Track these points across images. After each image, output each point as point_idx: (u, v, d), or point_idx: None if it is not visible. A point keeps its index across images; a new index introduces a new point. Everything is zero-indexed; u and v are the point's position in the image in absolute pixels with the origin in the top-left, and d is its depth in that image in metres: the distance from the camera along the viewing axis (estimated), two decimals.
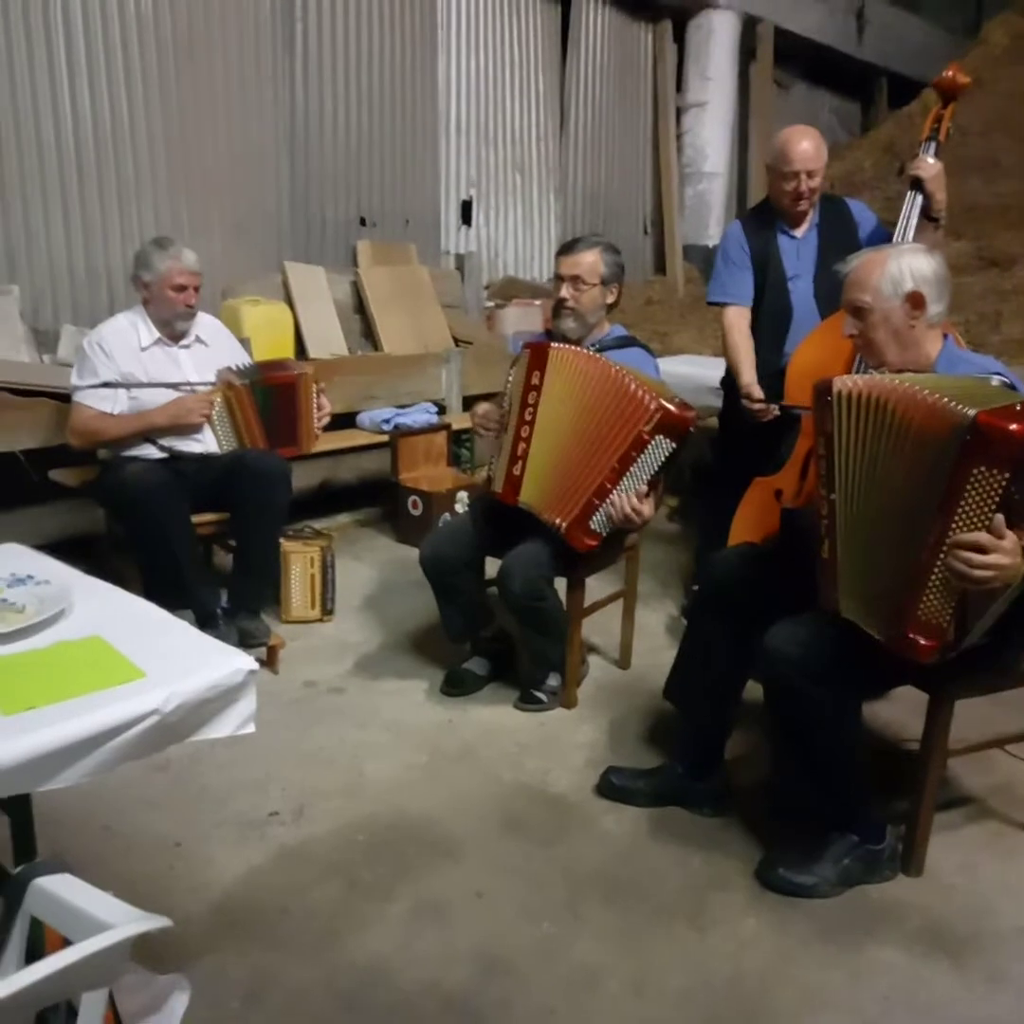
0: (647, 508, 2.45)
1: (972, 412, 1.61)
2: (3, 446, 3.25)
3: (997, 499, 1.61)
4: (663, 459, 2.43)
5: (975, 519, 1.63)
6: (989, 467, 1.60)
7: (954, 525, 1.65)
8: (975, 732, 2.18)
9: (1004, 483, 1.59)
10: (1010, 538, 1.60)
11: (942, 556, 1.67)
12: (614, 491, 2.45)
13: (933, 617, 1.72)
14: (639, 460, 2.42)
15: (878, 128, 8.47)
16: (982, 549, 1.60)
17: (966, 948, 1.86)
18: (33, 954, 0.93)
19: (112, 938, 0.76)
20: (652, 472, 2.44)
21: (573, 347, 2.57)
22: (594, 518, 2.49)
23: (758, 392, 2.79)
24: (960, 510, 1.64)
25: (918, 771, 2.04)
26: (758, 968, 1.80)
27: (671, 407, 2.38)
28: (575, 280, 2.64)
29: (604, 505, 2.47)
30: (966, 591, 1.66)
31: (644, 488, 2.44)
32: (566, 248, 2.70)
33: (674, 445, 2.42)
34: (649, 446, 2.41)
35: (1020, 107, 7.28)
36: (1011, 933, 1.90)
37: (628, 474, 2.44)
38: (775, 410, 2.76)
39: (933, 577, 1.70)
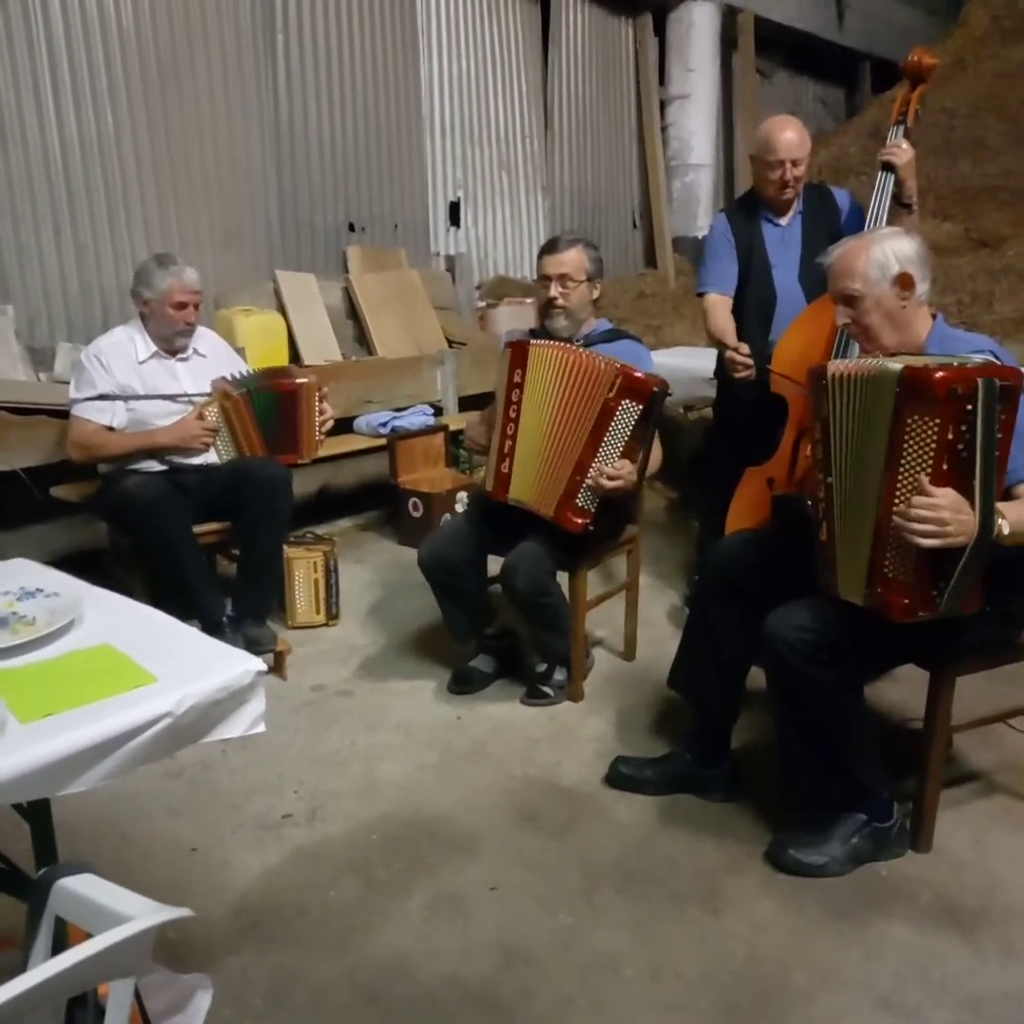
0: (626, 470, 2.48)
1: (898, 365, 1.71)
2: (4, 465, 3.27)
3: (934, 448, 1.67)
4: (633, 423, 2.47)
5: (918, 469, 1.70)
6: (921, 415, 1.67)
7: (899, 478, 1.72)
8: (982, 709, 2.20)
9: (936, 429, 1.66)
10: (951, 497, 1.66)
11: (894, 511, 1.72)
12: (593, 464, 2.49)
13: (898, 574, 1.76)
14: (611, 428, 2.47)
15: (863, 113, 8.48)
16: (922, 506, 1.67)
17: (977, 922, 1.88)
18: (58, 953, 0.95)
19: (134, 928, 0.78)
20: (625, 438, 2.48)
21: (552, 342, 2.60)
22: (579, 495, 2.52)
23: (745, 347, 2.79)
24: (903, 462, 1.71)
25: (922, 748, 2.06)
26: (773, 950, 1.82)
27: (631, 371, 2.43)
28: (563, 278, 2.66)
29: (586, 480, 2.50)
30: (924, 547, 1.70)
31: (618, 455, 2.49)
32: (548, 247, 2.72)
33: (640, 406, 2.45)
34: (617, 412, 2.46)
35: (1005, 87, 7.29)
36: (1022, 906, 1.92)
37: (603, 444, 2.48)
38: (753, 373, 2.78)
39: (891, 533, 1.74)
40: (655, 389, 2.45)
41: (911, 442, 1.70)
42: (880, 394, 1.75)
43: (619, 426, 2.47)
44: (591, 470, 2.49)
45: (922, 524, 1.67)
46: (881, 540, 1.77)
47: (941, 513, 1.66)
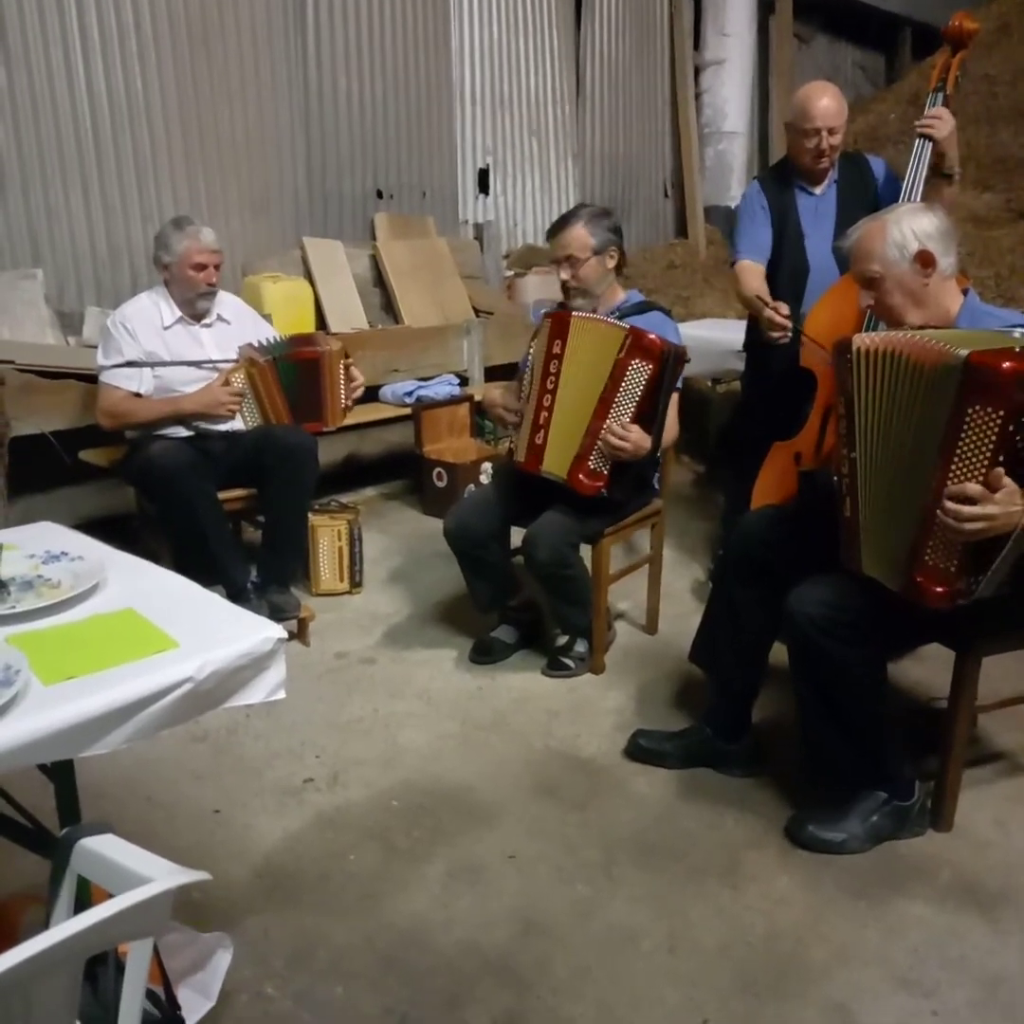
0: (635, 434, 2.45)
1: (964, 352, 1.63)
2: (34, 428, 3.30)
3: (994, 440, 1.61)
4: (644, 383, 2.43)
5: (974, 461, 1.64)
6: (983, 406, 1.61)
7: (953, 467, 1.67)
8: (1008, 689, 2.18)
9: (999, 422, 1.60)
10: (1006, 489, 1.61)
11: (943, 503, 1.68)
12: (604, 426, 2.47)
13: (940, 562, 1.73)
14: (622, 388, 2.45)
15: (903, 80, 8.26)
16: (972, 500, 1.62)
17: (997, 901, 1.87)
18: (80, 911, 0.97)
19: (153, 890, 0.80)
20: (636, 400, 2.45)
21: (593, 315, 2.57)
22: (591, 457, 2.50)
23: (785, 307, 2.68)
24: (958, 452, 1.65)
25: (945, 727, 2.05)
26: (790, 925, 1.82)
27: (643, 332, 2.40)
28: (568, 260, 2.63)
29: (598, 442, 2.48)
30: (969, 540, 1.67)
31: (629, 418, 2.46)
32: (551, 231, 2.70)
33: (650, 366, 2.42)
34: (628, 372, 2.43)
35: None
36: None
37: (614, 404, 2.46)
38: (788, 335, 2.67)
39: (937, 522, 1.70)
40: (665, 349, 2.41)
41: (969, 434, 1.63)
42: (941, 381, 1.67)
43: (630, 387, 2.44)
44: (603, 431, 2.47)
45: (970, 522, 1.63)
46: (926, 527, 1.72)
47: (990, 509, 1.61)
